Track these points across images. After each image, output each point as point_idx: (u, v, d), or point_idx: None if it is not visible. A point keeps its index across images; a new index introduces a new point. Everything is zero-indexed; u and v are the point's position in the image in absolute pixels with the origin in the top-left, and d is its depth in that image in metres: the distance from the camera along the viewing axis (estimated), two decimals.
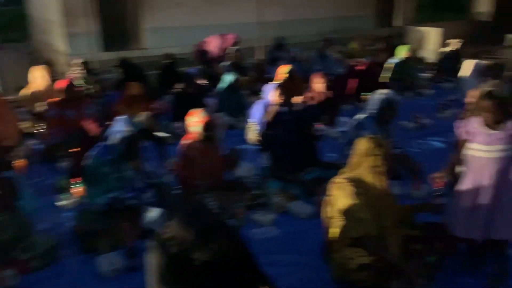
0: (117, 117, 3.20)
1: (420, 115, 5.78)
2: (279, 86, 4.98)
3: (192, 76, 6.20)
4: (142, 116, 4.16)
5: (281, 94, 4.92)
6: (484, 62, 7.02)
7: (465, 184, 2.86)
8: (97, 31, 8.91)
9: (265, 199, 3.60)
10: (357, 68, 7.23)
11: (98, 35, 8.99)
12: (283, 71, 6.36)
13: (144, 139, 4.08)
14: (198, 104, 5.87)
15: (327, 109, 5.59)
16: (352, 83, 7.09)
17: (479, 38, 11.62)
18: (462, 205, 2.84)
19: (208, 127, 3.41)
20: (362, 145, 2.68)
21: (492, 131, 2.75)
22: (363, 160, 2.66)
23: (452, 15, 15.52)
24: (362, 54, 9.52)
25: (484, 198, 2.77)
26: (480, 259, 2.95)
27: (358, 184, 2.67)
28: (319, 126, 5.42)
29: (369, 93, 6.67)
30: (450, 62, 7.91)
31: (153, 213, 2.94)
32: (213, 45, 8.47)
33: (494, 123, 2.75)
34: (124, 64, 6.78)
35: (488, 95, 2.72)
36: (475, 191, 2.79)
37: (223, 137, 5.29)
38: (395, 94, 4.04)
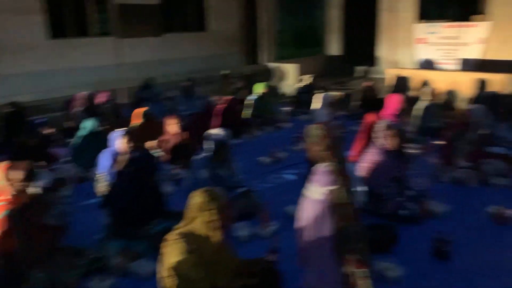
0: None
1: (276, 149, 5.93)
2: (127, 132, 4.74)
3: (34, 126, 5.65)
4: None
5: (129, 140, 4.68)
6: (331, 94, 7.57)
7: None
8: None
9: (104, 262, 3.27)
10: (218, 106, 7.29)
11: None
12: (137, 115, 6.14)
13: None
14: (41, 157, 5.39)
15: (183, 151, 5.48)
16: (215, 122, 7.12)
17: (332, 71, 12.72)
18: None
19: (12, 174, 2.94)
20: (196, 199, 2.53)
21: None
22: (197, 214, 2.52)
23: (310, 51, 16.78)
24: (228, 92, 9.75)
25: (299, 239, 2.77)
26: None
27: (190, 240, 2.52)
28: (176, 170, 5.30)
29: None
30: (305, 95, 8.40)
31: None
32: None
33: (317, 161, 2.79)
34: None
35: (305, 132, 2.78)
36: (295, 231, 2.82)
37: (71, 191, 4.87)
38: (228, 135, 4.00)
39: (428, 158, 5.61)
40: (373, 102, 7.72)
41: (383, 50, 11.68)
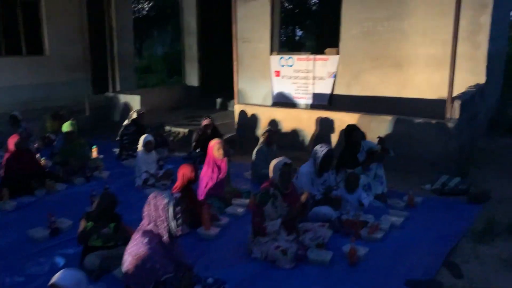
0: None
1: (52, 216, 4.37)
2: None
3: None
4: None
5: None
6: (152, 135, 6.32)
7: None
8: None
9: None
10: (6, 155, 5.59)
11: None
12: None
13: None
14: None
15: None
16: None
17: (191, 103, 11.64)
18: None
19: None
20: None
21: None
22: None
23: (176, 80, 15.66)
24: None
25: None
26: None
27: None
28: None
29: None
30: (131, 135, 7.06)
31: None
32: None
33: None
34: None
35: None
36: None
37: None
38: None
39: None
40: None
41: (241, 82, 10.87)
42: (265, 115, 7.60)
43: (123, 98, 9.56)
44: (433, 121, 6.06)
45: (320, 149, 4.69)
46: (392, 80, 8.64)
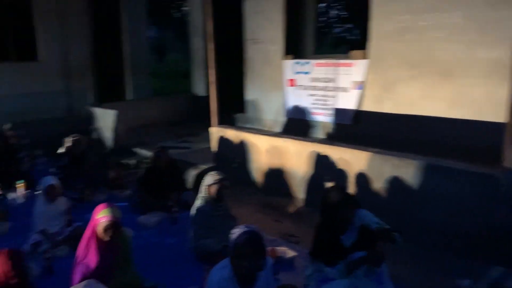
0: None
1: None
2: None
3: None
4: None
5: None
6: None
7: None
8: None
9: None
10: None
11: None
12: None
13: None
14: None
15: None
16: None
17: (197, 115, 9.92)
18: None
19: None
20: None
21: None
22: None
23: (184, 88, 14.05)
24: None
25: None
26: None
27: None
28: None
29: None
30: (67, 169, 5.37)
31: None
32: None
33: None
34: None
35: None
36: None
37: None
38: None
39: None
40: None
41: (253, 93, 8.93)
42: (243, 143, 5.59)
43: (99, 112, 7.92)
44: (477, 171, 3.70)
45: (233, 236, 2.53)
46: (438, 94, 6.20)
